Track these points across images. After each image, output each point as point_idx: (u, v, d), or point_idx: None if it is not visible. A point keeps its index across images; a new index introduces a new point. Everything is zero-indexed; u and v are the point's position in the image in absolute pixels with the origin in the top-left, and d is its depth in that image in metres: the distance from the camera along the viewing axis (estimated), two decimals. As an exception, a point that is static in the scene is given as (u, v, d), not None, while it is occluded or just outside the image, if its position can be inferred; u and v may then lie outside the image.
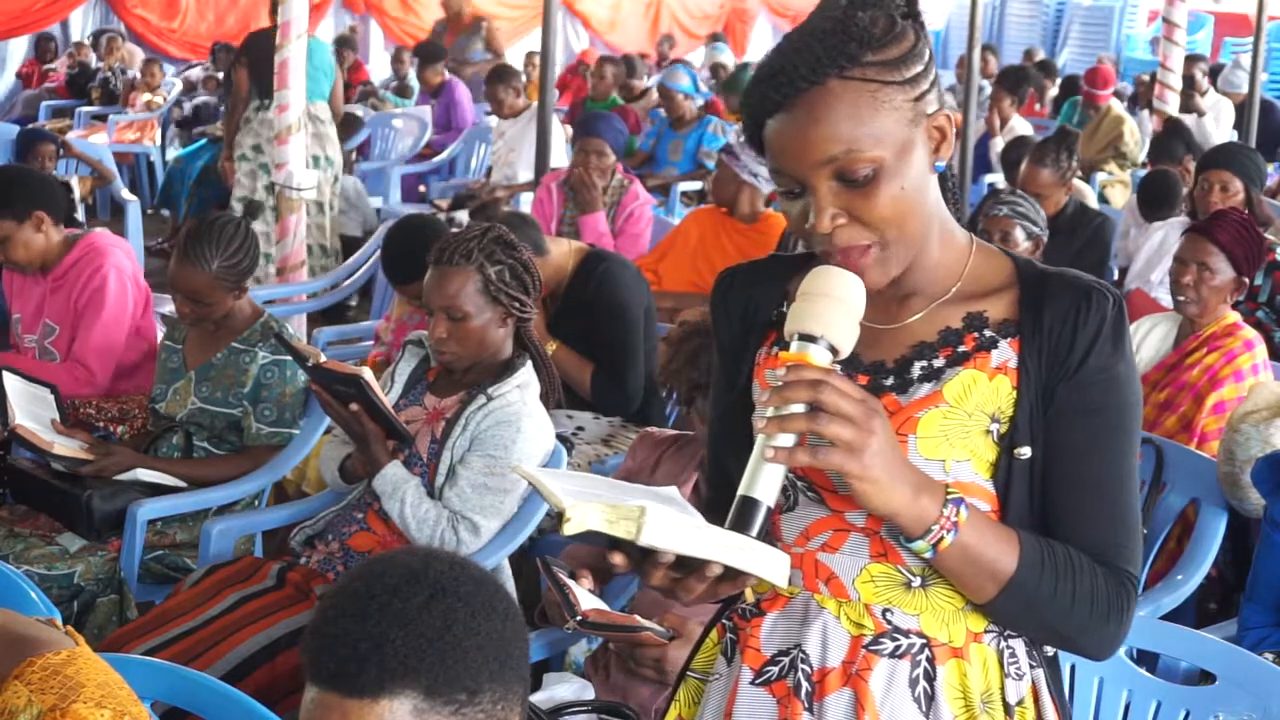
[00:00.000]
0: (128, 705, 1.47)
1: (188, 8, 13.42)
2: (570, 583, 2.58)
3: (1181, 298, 3.61)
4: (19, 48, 12.37)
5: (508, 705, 1.21)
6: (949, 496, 1.35)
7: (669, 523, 1.25)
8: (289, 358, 3.22)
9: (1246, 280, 3.61)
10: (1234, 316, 3.64)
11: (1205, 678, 2.29)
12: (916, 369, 1.45)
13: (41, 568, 3.07)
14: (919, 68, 1.37)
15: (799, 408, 1.28)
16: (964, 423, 1.42)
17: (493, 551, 2.82)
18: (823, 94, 1.33)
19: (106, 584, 3.13)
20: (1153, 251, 5.33)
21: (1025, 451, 1.42)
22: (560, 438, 3.16)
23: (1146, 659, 2.42)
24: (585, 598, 2.58)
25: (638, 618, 2.50)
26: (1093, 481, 1.43)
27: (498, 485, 2.77)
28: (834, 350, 1.33)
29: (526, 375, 2.86)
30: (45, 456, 3.18)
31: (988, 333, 1.45)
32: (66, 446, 3.19)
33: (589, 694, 2.70)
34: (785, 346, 1.35)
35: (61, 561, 3.11)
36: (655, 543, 1.24)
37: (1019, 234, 4.07)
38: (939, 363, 1.45)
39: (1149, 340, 3.76)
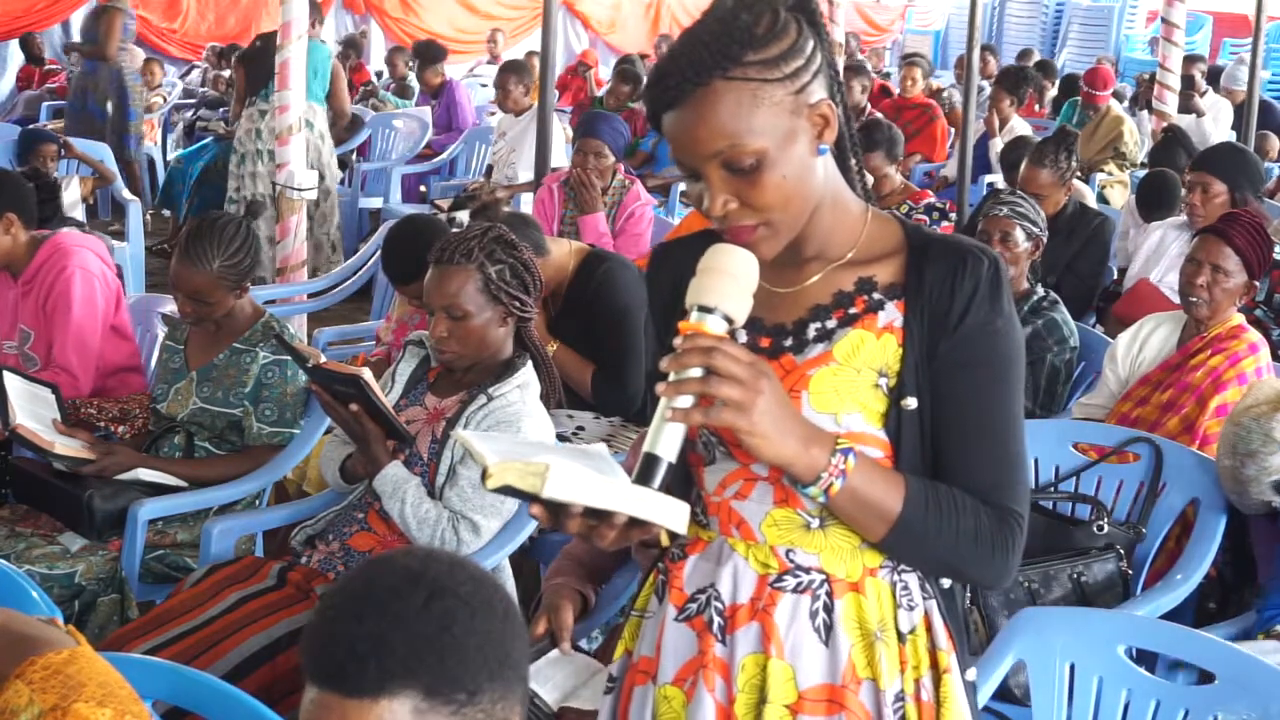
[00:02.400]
0: (129, 705, 1.48)
1: (188, 8, 13.43)
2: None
3: (1194, 299, 3.57)
4: (20, 47, 12.38)
5: (507, 705, 1.21)
6: (838, 447, 1.48)
7: (571, 478, 1.36)
8: (290, 357, 3.22)
9: (1256, 284, 3.60)
10: (1239, 318, 3.60)
11: (1204, 678, 2.30)
12: (811, 330, 1.59)
13: (43, 567, 3.08)
14: (799, 62, 1.48)
15: (695, 372, 1.41)
16: (853, 379, 1.56)
17: (493, 551, 2.82)
18: (708, 94, 1.45)
19: (107, 583, 3.14)
20: (1151, 251, 5.32)
21: (911, 402, 1.55)
22: (561, 437, 3.17)
23: (1146, 658, 2.42)
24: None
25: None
26: (975, 428, 1.55)
27: (498, 485, 2.77)
28: (729, 320, 1.45)
29: (527, 375, 2.86)
30: (46, 456, 3.18)
31: (876, 295, 1.58)
32: (67, 446, 3.19)
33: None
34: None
35: (63, 561, 3.12)
36: (558, 496, 1.36)
37: (1019, 234, 4.04)
38: (831, 324, 1.59)
39: (1152, 340, 3.75)
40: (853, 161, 1.63)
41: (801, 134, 1.49)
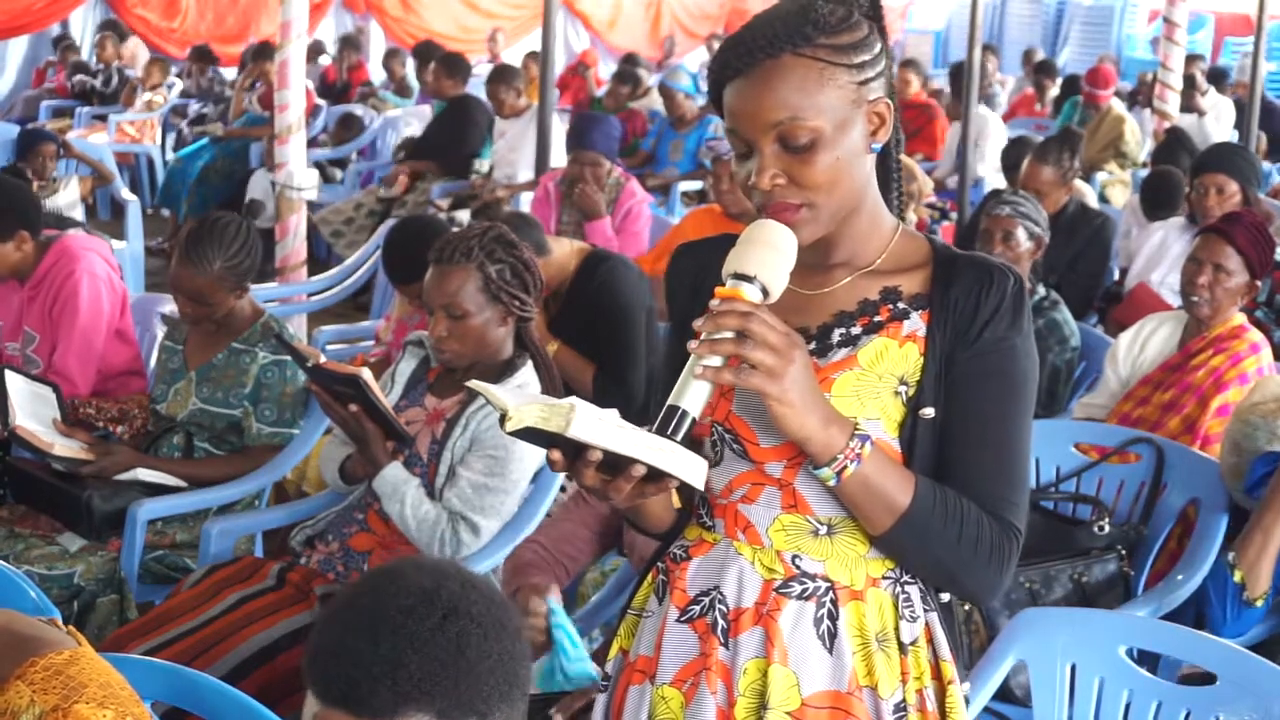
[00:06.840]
0: (130, 705, 1.47)
1: (188, 8, 13.41)
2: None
3: (1195, 298, 3.55)
4: (18, 47, 12.36)
5: None
6: (856, 431, 1.50)
7: (595, 420, 1.38)
8: (290, 357, 3.22)
9: (1258, 284, 3.59)
10: (1240, 318, 3.59)
11: (1206, 678, 2.29)
12: (836, 335, 1.61)
13: (42, 568, 3.07)
14: (867, 57, 1.53)
15: (729, 334, 1.43)
16: (875, 385, 1.58)
17: (492, 552, 2.82)
18: (777, 66, 1.50)
19: (106, 584, 3.13)
20: (1153, 251, 5.32)
21: (929, 412, 1.57)
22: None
23: (1147, 659, 2.41)
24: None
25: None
26: (987, 440, 1.57)
27: (498, 485, 2.77)
28: (765, 292, 1.47)
29: (527, 375, 2.86)
30: (45, 456, 3.18)
31: (901, 305, 1.60)
32: (67, 446, 3.18)
33: None
34: None
35: (62, 561, 3.11)
36: (582, 436, 1.37)
37: (1021, 233, 4.03)
38: (856, 330, 1.60)
39: (1153, 340, 3.74)
40: (894, 182, 1.68)
41: (858, 125, 1.53)
